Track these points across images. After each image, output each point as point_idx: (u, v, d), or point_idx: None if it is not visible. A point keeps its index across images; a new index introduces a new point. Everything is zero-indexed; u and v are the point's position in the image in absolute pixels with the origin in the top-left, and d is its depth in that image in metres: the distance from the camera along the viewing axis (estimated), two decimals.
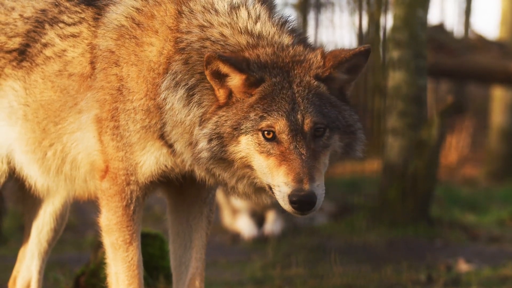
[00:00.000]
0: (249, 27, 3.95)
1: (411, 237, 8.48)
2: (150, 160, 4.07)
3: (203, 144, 3.87)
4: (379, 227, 8.66)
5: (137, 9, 4.14)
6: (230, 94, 3.87)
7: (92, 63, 4.17)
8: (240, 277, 6.90)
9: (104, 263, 4.29)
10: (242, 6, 4.01)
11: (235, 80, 3.86)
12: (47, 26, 4.33)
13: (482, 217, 10.20)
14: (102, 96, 4.11)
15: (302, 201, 3.69)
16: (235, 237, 9.22)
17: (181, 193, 4.29)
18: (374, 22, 14.26)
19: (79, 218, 8.62)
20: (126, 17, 4.15)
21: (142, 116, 4.03)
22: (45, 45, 4.31)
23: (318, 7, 17.79)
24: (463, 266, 7.21)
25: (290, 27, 4.01)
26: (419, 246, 8.23)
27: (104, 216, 4.15)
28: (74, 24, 4.28)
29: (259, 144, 3.80)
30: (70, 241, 8.18)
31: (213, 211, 4.39)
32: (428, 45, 9.49)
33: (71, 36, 4.27)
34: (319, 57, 3.88)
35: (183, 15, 4.04)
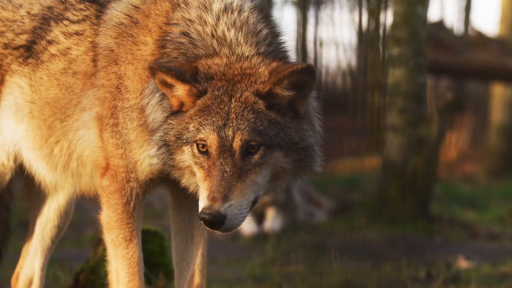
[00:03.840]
0: (225, 33, 3.92)
1: (411, 234, 8.48)
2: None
3: (153, 150, 3.90)
4: (379, 225, 8.67)
5: (135, 6, 4.15)
6: (181, 103, 3.87)
7: (94, 61, 4.18)
8: (240, 274, 6.91)
9: (104, 260, 4.29)
10: (232, 10, 3.97)
11: (180, 90, 3.85)
12: (52, 23, 4.34)
13: (481, 214, 10.21)
14: (102, 94, 4.12)
15: (206, 220, 3.68)
16: (235, 234, 9.19)
17: (183, 189, 4.29)
18: (374, 19, 14.26)
19: (79, 215, 8.62)
20: (125, 15, 4.15)
21: (138, 114, 4.04)
22: (50, 42, 4.32)
23: (318, 4, 17.79)
24: (462, 263, 7.22)
25: (263, 37, 3.94)
26: (419, 243, 8.24)
27: (105, 213, 4.15)
28: (78, 22, 4.29)
29: (194, 156, 3.80)
30: (69, 238, 8.18)
31: None
32: (428, 42, 9.49)
33: (75, 34, 4.27)
34: (266, 71, 3.81)
35: (178, 9, 4.04)
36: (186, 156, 3.83)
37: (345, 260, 6.77)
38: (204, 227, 3.80)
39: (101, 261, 5.27)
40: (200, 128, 3.77)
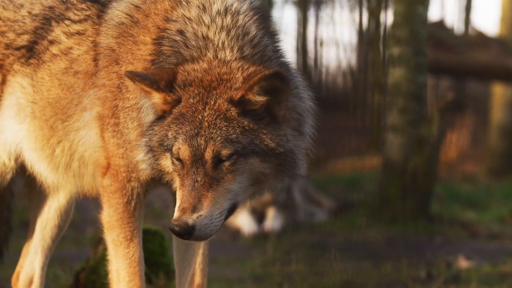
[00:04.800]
0: (215, 35, 3.88)
1: (411, 234, 8.48)
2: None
3: (140, 155, 3.90)
4: (379, 224, 8.68)
5: (136, 6, 4.14)
6: (162, 109, 3.85)
7: (95, 60, 4.17)
8: (240, 274, 6.91)
9: (104, 260, 4.29)
10: (227, 12, 3.93)
11: (156, 98, 3.84)
12: (53, 23, 4.34)
13: (482, 214, 10.21)
14: (103, 94, 4.12)
15: (175, 231, 3.69)
16: (235, 233, 9.23)
17: None
18: (374, 19, 14.28)
19: (79, 215, 8.62)
20: (126, 14, 4.15)
21: (138, 114, 4.04)
22: (51, 42, 4.31)
23: (318, 3, 17.80)
24: (463, 263, 7.22)
25: (250, 39, 3.88)
26: (419, 243, 8.24)
27: (106, 212, 4.15)
28: (79, 21, 4.28)
29: (173, 163, 3.80)
30: (70, 238, 8.18)
31: None
32: (428, 42, 9.50)
33: (77, 33, 4.27)
34: (241, 77, 3.77)
35: (179, 6, 4.01)
36: (169, 161, 3.83)
37: (345, 260, 6.77)
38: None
39: (101, 261, 5.27)
40: (177, 136, 3.75)
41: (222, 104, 3.74)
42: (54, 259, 6.05)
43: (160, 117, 3.85)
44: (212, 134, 3.70)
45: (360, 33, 15.63)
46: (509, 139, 14.52)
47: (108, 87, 4.10)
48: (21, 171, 4.54)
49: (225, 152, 3.70)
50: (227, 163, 3.71)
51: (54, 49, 4.30)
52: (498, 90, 14.60)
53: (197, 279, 4.31)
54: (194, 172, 3.71)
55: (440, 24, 13.21)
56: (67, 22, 4.31)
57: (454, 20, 21.19)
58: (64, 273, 6.11)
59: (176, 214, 3.70)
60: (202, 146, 3.70)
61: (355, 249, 7.66)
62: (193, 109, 3.75)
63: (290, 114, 3.86)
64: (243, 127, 3.73)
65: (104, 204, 4.15)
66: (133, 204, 4.13)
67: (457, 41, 12.94)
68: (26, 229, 4.89)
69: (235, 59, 3.83)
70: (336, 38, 17.19)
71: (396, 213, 8.77)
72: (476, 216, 10.02)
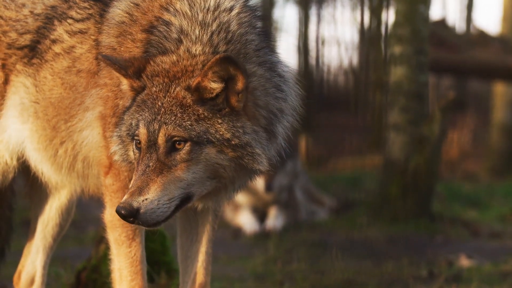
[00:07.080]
0: (192, 31, 3.88)
1: (412, 233, 8.49)
2: None
3: (114, 147, 3.91)
4: (380, 223, 8.69)
5: (136, 4, 4.15)
6: (131, 95, 3.89)
7: (97, 59, 4.18)
8: (242, 273, 6.91)
9: (105, 259, 4.29)
10: (215, 9, 3.93)
11: (124, 84, 3.88)
12: (56, 22, 4.34)
13: (483, 213, 10.21)
14: (105, 93, 4.13)
15: (120, 214, 3.68)
16: (237, 232, 9.23)
17: None
18: (376, 18, 14.29)
19: (80, 214, 8.62)
20: (126, 13, 4.15)
21: None
22: (54, 41, 4.32)
23: (320, 2, 17.80)
24: (464, 262, 7.22)
25: (228, 36, 3.87)
26: (420, 242, 8.25)
27: (108, 212, 4.15)
28: (82, 20, 4.29)
29: (133, 151, 3.82)
30: (71, 237, 8.18)
31: (220, 205, 4.38)
32: (430, 40, 9.50)
33: (79, 32, 4.28)
34: (200, 66, 3.78)
35: (178, 0, 4.02)
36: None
37: (346, 259, 6.77)
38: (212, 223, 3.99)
39: (102, 259, 5.28)
40: (138, 123, 3.77)
41: (179, 92, 3.76)
42: (56, 258, 6.05)
43: (129, 106, 3.88)
44: (166, 119, 3.72)
45: (362, 32, 15.65)
46: (510, 138, 14.51)
47: (110, 86, 4.11)
48: (24, 170, 4.55)
49: (177, 137, 3.70)
50: (181, 152, 3.71)
51: (56, 48, 4.30)
52: (500, 89, 14.60)
53: (200, 277, 4.31)
54: (148, 157, 3.72)
55: (442, 23, 13.21)
56: (69, 21, 4.32)
57: (455, 19, 21.20)
58: (65, 272, 6.11)
59: (124, 197, 3.70)
60: (156, 131, 3.71)
61: (356, 248, 7.67)
62: (154, 96, 3.78)
63: (259, 111, 3.86)
64: (198, 115, 3.73)
65: (107, 203, 4.16)
66: None
67: (459, 40, 12.94)
68: (27, 228, 4.90)
69: (204, 53, 3.83)
70: (338, 37, 17.20)
71: (397, 212, 8.77)
72: (477, 215, 10.02)
